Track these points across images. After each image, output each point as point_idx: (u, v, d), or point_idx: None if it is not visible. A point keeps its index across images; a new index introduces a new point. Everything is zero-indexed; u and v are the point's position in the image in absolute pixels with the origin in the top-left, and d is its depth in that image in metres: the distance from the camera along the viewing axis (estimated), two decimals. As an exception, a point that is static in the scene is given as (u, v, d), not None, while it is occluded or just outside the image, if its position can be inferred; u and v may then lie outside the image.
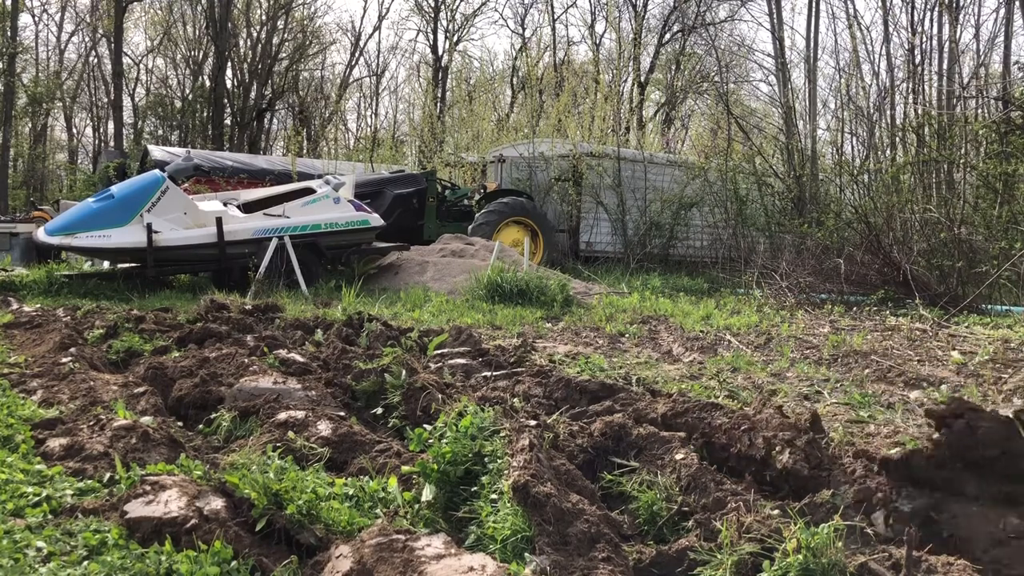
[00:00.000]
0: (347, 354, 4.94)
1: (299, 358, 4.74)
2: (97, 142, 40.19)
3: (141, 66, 40.27)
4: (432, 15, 36.24)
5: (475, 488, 2.63)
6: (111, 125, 35.84)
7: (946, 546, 2.28)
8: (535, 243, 13.22)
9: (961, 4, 15.53)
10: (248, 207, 11.22)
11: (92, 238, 10.03)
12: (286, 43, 37.28)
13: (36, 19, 41.39)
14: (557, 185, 15.05)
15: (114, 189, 10.86)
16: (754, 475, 2.79)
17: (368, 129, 37.14)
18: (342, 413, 3.71)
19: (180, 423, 3.85)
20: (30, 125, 38.95)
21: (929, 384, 5.02)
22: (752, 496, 2.49)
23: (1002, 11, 16.92)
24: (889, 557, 2.18)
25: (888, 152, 13.70)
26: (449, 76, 31.59)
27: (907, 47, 14.73)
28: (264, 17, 36.62)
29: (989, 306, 8.73)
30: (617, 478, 2.79)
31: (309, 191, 11.47)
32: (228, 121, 35.40)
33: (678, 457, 2.76)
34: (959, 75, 14.54)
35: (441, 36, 36.14)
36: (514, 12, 59.56)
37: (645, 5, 31.93)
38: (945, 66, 14.83)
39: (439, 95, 29.59)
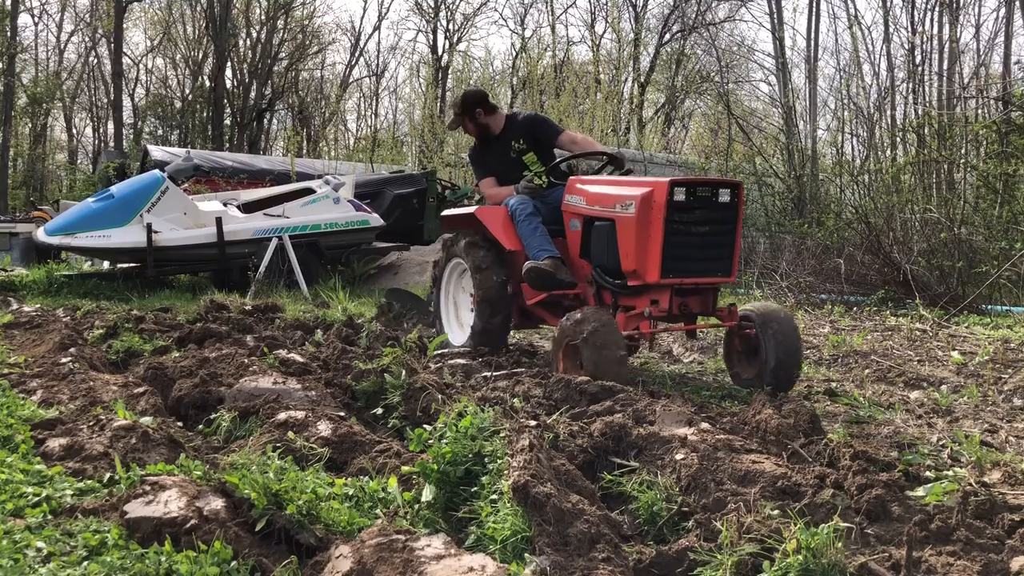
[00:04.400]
0: (347, 354, 4.94)
1: (299, 358, 4.73)
2: (97, 142, 40.20)
3: (141, 66, 40.30)
4: (432, 15, 36.23)
5: (475, 488, 2.63)
6: (111, 125, 35.88)
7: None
8: (535, 243, 13.17)
9: (961, 4, 15.55)
10: (248, 207, 11.22)
11: (92, 238, 10.04)
12: (286, 43, 37.27)
13: (36, 19, 41.37)
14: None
15: (114, 189, 10.87)
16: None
17: (368, 129, 37.15)
18: (342, 413, 3.71)
19: (180, 423, 3.85)
20: (30, 125, 38.94)
21: (929, 384, 5.02)
22: (752, 496, 2.48)
23: (1002, 11, 16.94)
24: (889, 557, 2.18)
25: (888, 152, 13.67)
26: (449, 76, 31.55)
27: (907, 47, 14.73)
28: (264, 17, 36.59)
29: (989, 306, 8.72)
30: (617, 478, 2.79)
31: (309, 191, 11.48)
32: (228, 121, 35.38)
33: (678, 457, 2.76)
34: (959, 75, 14.54)
35: (441, 36, 36.15)
36: (514, 12, 59.45)
37: (645, 5, 31.92)
38: (945, 66, 14.83)
39: (439, 95, 29.55)
